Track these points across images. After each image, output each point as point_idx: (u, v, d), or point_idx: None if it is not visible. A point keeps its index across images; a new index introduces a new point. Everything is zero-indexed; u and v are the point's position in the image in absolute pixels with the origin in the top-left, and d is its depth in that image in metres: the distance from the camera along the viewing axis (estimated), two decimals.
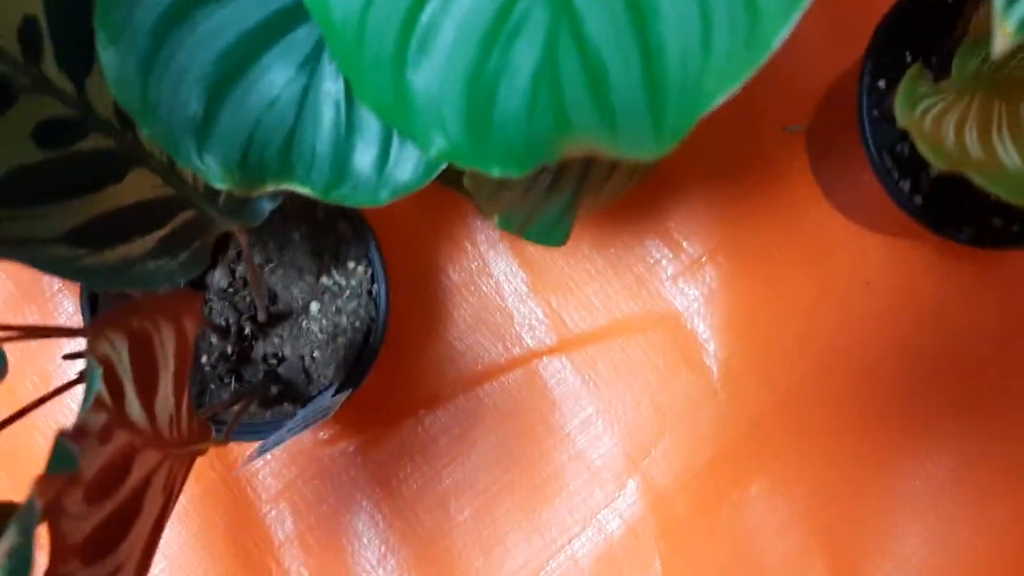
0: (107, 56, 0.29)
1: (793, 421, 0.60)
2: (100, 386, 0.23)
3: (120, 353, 0.25)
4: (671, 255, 0.60)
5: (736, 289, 0.60)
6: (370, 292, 0.51)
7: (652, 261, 0.61)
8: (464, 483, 0.59)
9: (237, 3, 0.31)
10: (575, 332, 0.60)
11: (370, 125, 0.31)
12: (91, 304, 0.48)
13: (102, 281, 0.32)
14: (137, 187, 0.32)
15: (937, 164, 0.35)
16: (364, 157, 0.31)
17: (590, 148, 0.24)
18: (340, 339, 0.50)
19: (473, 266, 0.61)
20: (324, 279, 0.50)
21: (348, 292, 0.50)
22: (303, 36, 0.31)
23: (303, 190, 0.32)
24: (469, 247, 0.61)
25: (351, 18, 0.25)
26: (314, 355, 0.50)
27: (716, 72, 0.20)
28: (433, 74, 0.24)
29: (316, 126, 0.31)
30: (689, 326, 0.60)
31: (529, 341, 0.60)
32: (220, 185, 0.31)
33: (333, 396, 0.48)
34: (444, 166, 0.31)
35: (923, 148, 0.35)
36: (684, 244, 0.60)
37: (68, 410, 0.60)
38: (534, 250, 0.61)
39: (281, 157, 0.31)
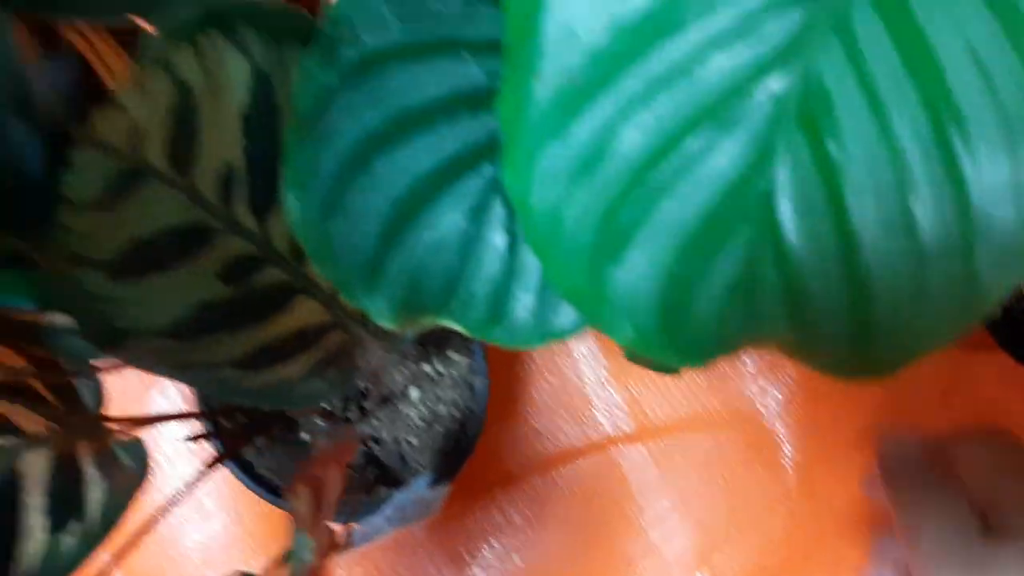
0: (292, 198, 0.31)
1: (870, 525, 0.60)
2: (311, 558, 0.24)
3: (305, 505, 0.27)
4: (753, 350, 0.61)
5: (816, 390, 0.61)
6: (469, 383, 0.52)
7: (735, 355, 0.61)
8: (536, 567, 0.60)
9: (412, 149, 0.32)
10: (654, 422, 0.61)
11: (530, 276, 0.32)
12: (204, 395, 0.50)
13: (258, 399, 0.34)
14: (301, 315, 0.34)
15: None
16: (521, 304, 0.32)
17: (779, 350, 0.25)
18: (437, 427, 0.51)
19: (555, 347, 0.62)
20: (425, 366, 0.52)
21: (448, 381, 0.52)
22: (472, 185, 0.32)
23: (456, 327, 0.33)
24: None
25: (549, 208, 0.26)
26: (411, 440, 0.51)
27: (927, 321, 0.21)
28: (630, 272, 0.25)
29: (477, 272, 0.32)
30: (768, 424, 0.61)
31: (607, 427, 0.61)
32: (385, 324, 0.32)
33: (429, 486, 0.49)
34: None
35: None
36: None
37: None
38: None
39: (440, 298, 0.33)
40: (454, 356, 0.52)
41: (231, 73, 0.26)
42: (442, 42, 0.32)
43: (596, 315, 0.26)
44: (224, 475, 0.54)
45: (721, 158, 0.24)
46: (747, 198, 0.24)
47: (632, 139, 0.24)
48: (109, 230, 0.25)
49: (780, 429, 0.61)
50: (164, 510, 0.36)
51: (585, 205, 0.26)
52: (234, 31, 0.26)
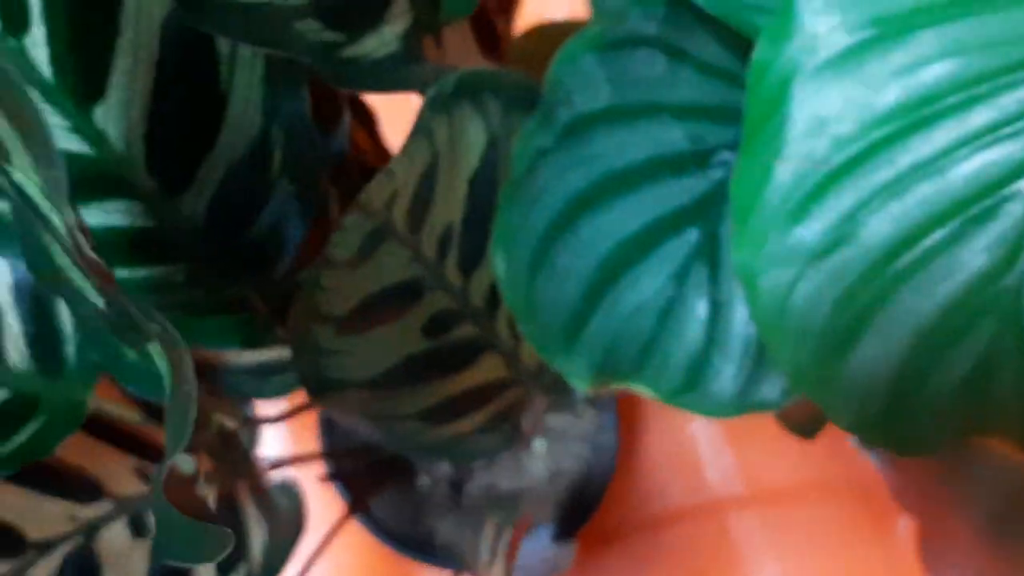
0: (500, 255, 0.31)
1: None
2: None
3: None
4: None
5: (939, 462, 0.60)
6: (596, 439, 0.51)
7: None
8: None
9: (616, 211, 0.32)
10: (767, 486, 0.60)
11: (732, 345, 0.32)
12: (327, 426, 0.50)
13: (434, 451, 0.34)
14: (485, 371, 0.34)
15: None
16: (721, 373, 0.32)
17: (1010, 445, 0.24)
18: (561, 480, 0.51)
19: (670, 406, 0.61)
20: (553, 418, 0.51)
21: (575, 434, 0.51)
22: (674, 249, 0.32)
23: (646, 391, 0.33)
24: None
25: (781, 289, 0.26)
26: (533, 492, 0.51)
27: None
28: (861, 358, 0.25)
29: (675, 337, 0.32)
30: (885, 495, 0.60)
31: (719, 489, 0.60)
32: (578, 385, 0.32)
33: (552, 540, 0.49)
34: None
35: None
36: None
37: None
38: None
39: (636, 363, 0.33)
40: (582, 410, 0.52)
41: (471, 139, 0.27)
42: (646, 106, 0.33)
43: (819, 396, 0.26)
44: (324, 508, 0.54)
45: (968, 252, 0.24)
46: (992, 292, 0.24)
47: (877, 228, 0.24)
48: (349, 287, 0.26)
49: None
50: (309, 563, 0.36)
51: (819, 289, 0.25)
52: (481, 99, 0.26)
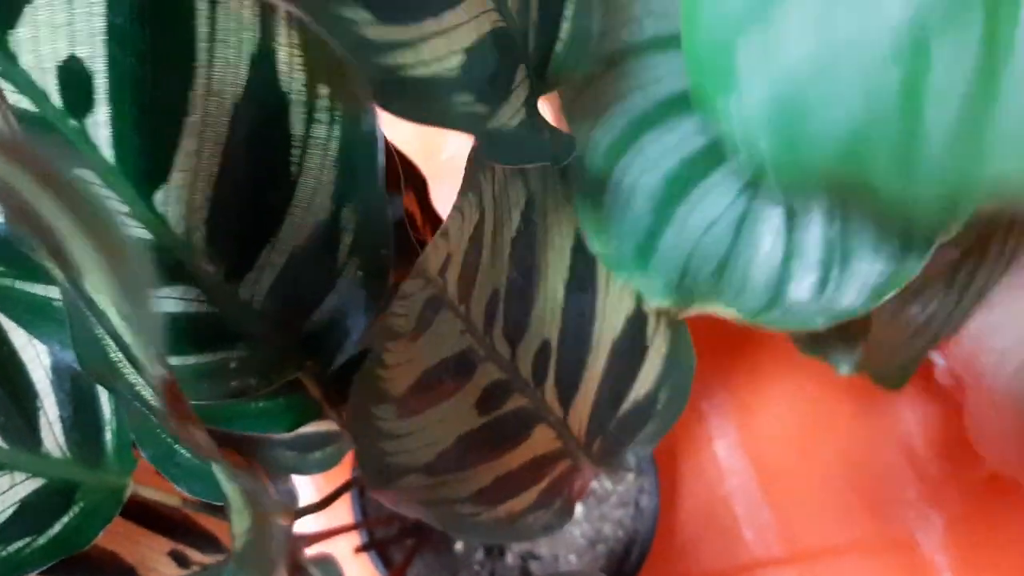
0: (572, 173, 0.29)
1: None
2: None
3: None
4: (914, 476, 0.59)
5: (982, 519, 0.58)
6: (637, 502, 0.50)
7: (894, 479, 0.59)
8: None
9: (680, 131, 0.31)
10: (805, 545, 0.58)
11: (810, 251, 0.30)
12: (359, 495, 0.48)
13: (487, 534, 0.32)
14: (536, 444, 0.32)
15: None
16: (801, 283, 0.30)
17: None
18: (601, 547, 0.49)
19: (707, 463, 0.60)
20: (593, 481, 0.50)
21: (615, 499, 0.49)
22: (743, 163, 0.31)
23: (728, 313, 0.31)
24: (704, 445, 0.60)
25: None
26: (570, 558, 0.49)
27: None
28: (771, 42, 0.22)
29: (751, 251, 0.31)
30: (927, 554, 0.58)
31: (756, 548, 0.58)
32: (658, 302, 0.30)
33: None
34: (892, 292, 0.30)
35: None
36: (928, 466, 0.59)
37: None
38: (770, 455, 0.59)
39: (712, 280, 0.31)
40: (623, 472, 0.50)
41: (512, 198, 0.25)
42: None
43: (725, 86, 0.23)
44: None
45: None
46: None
47: None
48: (408, 363, 0.24)
49: (940, 560, 0.58)
50: None
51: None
52: None
